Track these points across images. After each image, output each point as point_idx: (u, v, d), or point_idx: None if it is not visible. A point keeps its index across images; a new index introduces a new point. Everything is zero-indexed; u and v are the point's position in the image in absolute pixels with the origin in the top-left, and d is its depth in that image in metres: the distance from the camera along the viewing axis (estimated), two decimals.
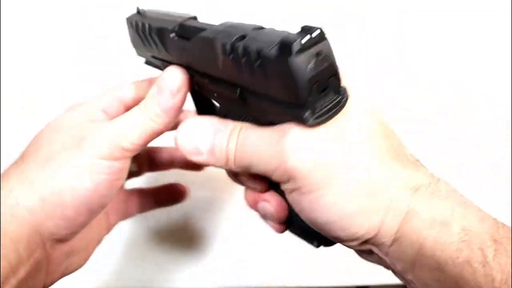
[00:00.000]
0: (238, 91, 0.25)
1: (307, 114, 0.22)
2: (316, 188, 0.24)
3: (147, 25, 0.33)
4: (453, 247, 0.22)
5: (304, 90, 0.21)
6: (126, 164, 0.30)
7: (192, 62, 0.29)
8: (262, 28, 0.25)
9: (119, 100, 0.35)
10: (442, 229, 0.22)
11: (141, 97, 0.33)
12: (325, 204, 0.24)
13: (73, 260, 0.33)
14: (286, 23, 0.54)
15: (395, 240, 0.24)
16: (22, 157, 0.31)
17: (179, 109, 0.31)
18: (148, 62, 0.37)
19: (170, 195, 0.42)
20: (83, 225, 0.30)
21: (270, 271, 0.50)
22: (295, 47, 0.21)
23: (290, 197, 0.26)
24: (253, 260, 0.50)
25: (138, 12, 0.35)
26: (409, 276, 0.24)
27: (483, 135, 0.56)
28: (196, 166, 0.42)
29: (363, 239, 0.24)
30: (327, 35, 0.22)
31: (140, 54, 0.38)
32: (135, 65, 0.41)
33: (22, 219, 0.27)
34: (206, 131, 0.28)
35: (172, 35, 0.30)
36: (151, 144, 0.33)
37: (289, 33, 0.22)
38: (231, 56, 0.24)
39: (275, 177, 0.25)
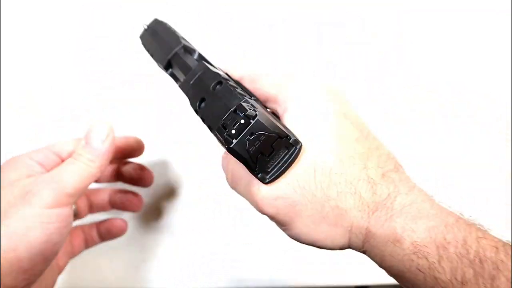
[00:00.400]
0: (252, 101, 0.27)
1: (260, 175, 0.26)
2: (284, 224, 0.28)
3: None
4: (406, 258, 0.25)
5: (251, 165, 0.25)
6: (71, 210, 0.33)
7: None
8: (220, 82, 0.28)
9: (55, 154, 0.38)
10: (395, 245, 0.25)
11: (72, 152, 0.37)
12: (295, 234, 0.28)
13: None
14: (286, 23, 0.54)
15: (364, 251, 0.28)
16: None
17: (110, 153, 0.36)
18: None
19: (110, 230, 0.44)
20: (39, 274, 0.32)
21: (269, 271, 0.50)
22: (232, 137, 0.24)
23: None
24: (253, 260, 0.50)
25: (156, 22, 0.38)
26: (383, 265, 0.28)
27: (483, 135, 0.56)
28: (134, 207, 0.45)
29: (337, 249, 0.29)
30: (252, 114, 0.25)
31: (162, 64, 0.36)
32: (135, 65, 0.41)
33: None
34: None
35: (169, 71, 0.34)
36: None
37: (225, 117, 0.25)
38: (199, 115, 0.29)
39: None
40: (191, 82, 0.30)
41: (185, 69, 0.32)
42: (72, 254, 0.42)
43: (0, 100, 0.51)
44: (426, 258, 0.24)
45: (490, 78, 0.57)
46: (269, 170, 0.26)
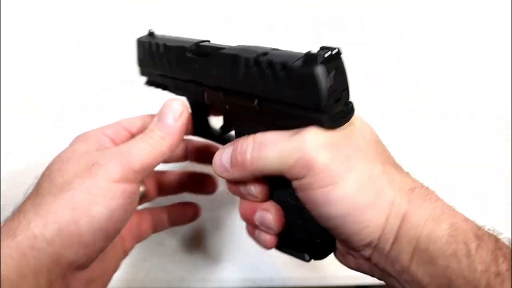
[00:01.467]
0: (256, 100, 0.29)
1: (325, 117, 0.26)
2: (332, 181, 0.26)
3: (162, 45, 0.36)
4: (443, 240, 0.25)
5: (325, 96, 0.26)
6: (138, 188, 0.32)
7: (206, 77, 0.33)
8: (278, 49, 0.29)
9: (126, 129, 0.37)
10: (434, 225, 0.26)
11: (145, 127, 0.35)
12: (339, 196, 0.26)
13: (93, 286, 0.33)
14: (286, 23, 0.54)
15: (395, 241, 0.27)
16: (37, 190, 0.31)
17: (182, 132, 0.34)
18: (149, 82, 0.39)
19: (183, 214, 0.43)
20: (100, 250, 0.31)
21: (269, 271, 0.50)
22: (319, 58, 0.25)
23: (305, 194, 0.28)
24: (253, 260, 0.50)
25: (150, 34, 0.38)
26: (405, 276, 0.27)
27: (483, 135, 0.56)
28: (207, 189, 0.44)
29: (369, 238, 0.27)
30: (342, 52, 0.27)
31: (144, 73, 0.40)
32: (135, 65, 0.41)
33: (41, 251, 0.28)
34: (226, 151, 0.32)
35: (188, 53, 0.34)
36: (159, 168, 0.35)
37: (309, 51, 0.27)
38: (254, 68, 0.28)
39: (292, 172, 0.27)
40: (241, 48, 0.31)
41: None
42: (139, 238, 0.40)
43: (0, 100, 0.51)
44: (466, 244, 0.25)
45: (490, 78, 0.57)
46: (332, 116, 0.26)
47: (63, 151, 0.34)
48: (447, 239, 0.25)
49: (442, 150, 0.55)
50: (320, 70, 0.25)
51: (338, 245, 0.32)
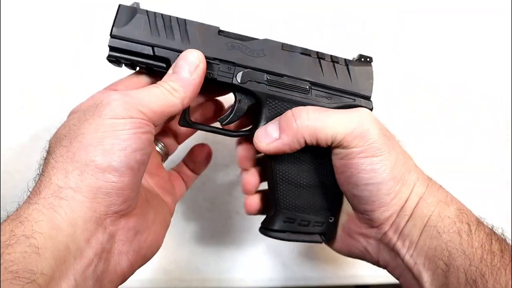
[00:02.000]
0: (308, 84, 0.36)
1: (371, 104, 0.37)
2: (379, 152, 0.32)
3: (179, 19, 0.37)
4: (450, 219, 0.31)
5: (372, 86, 0.37)
6: (148, 122, 0.31)
7: (252, 59, 0.36)
8: None
9: (139, 81, 0.36)
10: (444, 207, 0.32)
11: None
12: (382, 166, 0.32)
13: (144, 238, 0.32)
14: (287, 24, 0.54)
15: (410, 217, 0.32)
16: (48, 152, 0.31)
17: (197, 86, 0.33)
18: (116, 56, 0.35)
19: (196, 157, 0.42)
20: (132, 186, 0.30)
21: (269, 271, 0.50)
22: (371, 61, 0.38)
23: (351, 161, 0.32)
24: (253, 260, 0.50)
25: (136, 4, 0.36)
26: (411, 251, 0.32)
27: (484, 136, 0.56)
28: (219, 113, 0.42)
29: (392, 210, 0.32)
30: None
31: (116, 42, 0.35)
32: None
33: (71, 200, 0.27)
34: (271, 125, 0.35)
35: (221, 33, 0.36)
36: None
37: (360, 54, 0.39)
38: (315, 60, 0.36)
39: (347, 139, 0.32)
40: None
41: None
42: (175, 194, 0.40)
43: (0, 100, 0.51)
44: (468, 224, 0.30)
45: (490, 79, 0.57)
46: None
47: (77, 106, 0.34)
48: (454, 219, 0.31)
49: (442, 151, 0.55)
50: (373, 69, 0.37)
51: (349, 225, 0.37)
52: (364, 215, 0.34)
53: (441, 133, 0.55)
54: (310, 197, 0.37)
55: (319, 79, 0.36)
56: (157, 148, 0.40)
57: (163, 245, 0.50)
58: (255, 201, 0.40)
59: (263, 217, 0.49)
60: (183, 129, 0.41)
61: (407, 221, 0.32)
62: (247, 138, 0.38)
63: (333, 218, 0.37)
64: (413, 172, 0.33)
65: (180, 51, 0.34)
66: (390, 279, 0.51)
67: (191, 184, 0.42)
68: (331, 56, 0.37)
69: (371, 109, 0.37)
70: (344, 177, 0.34)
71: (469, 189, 0.54)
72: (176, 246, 0.50)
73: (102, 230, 0.28)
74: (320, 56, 0.36)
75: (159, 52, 0.34)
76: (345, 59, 0.37)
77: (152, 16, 0.36)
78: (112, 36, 0.35)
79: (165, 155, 0.41)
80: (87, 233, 0.27)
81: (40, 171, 0.30)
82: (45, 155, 0.31)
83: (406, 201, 0.32)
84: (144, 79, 0.36)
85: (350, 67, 0.37)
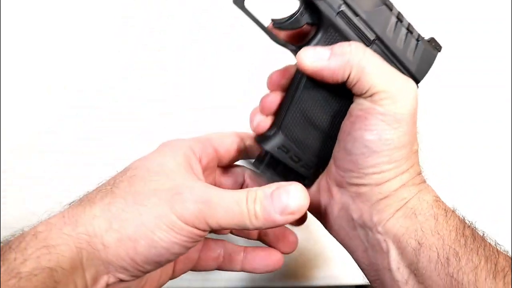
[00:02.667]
0: (374, 36, 0.34)
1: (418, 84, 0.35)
2: (397, 125, 0.31)
3: None
4: (428, 204, 0.32)
5: (427, 72, 0.35)
6: (205, 233, 0.30)
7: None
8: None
9: (213, 148, 0.35)
10: (424, 193, 0.32)
11: (231, 149, 0.36)
12: (385, 139, 0.31)
13: None
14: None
15: (386, 197, 0.32)
16: (112, 187, 0.30)
17: (280, 225, 0.30)
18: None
19: (263, 262, 0.39)
20: (145, 273, 0.30)
21: None
22: (439, 48, 0.36)
23: (364, 113, 0.31)
24: None
25: None
26: (379, 227, 0.32)
27: (484, 136, 0.56)
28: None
29: (364, 182, 0.31)
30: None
31: None
32: (135, 66, 0.41)
33: (96, 251, 0.27)
34: (324, 48, 0.33)
35: None
36: None
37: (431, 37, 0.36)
38: (393, 21, 0.34)
39: (381, 95, 0.31)
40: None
41: None
42: (196, 266, 0.39)
43: (0, 100, 0.51)
44: (445, 210, 0.31)
45: (491, 80, 0.57)
46: None
47: (150, 158, 0.32)
48: (432, 203, 0.31)
49: (442, 151, 0.55)
50: (437, 56, 0.35)
51: (322, 179, 0.36)
52: (339, 171, 0.33)
53: (441, 134, 0.55)
54: (314, 138, 0.35)
55: (387, 38, 0.34)
56: None
57: None
58: (267, 121, 0.36)
59: None
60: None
61: (380, 199, 0.32)
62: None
63: (321, 170, 0.36)
64: (410, 161, 0.32)
65: None
66: None
67: (230, 270, 0.40)
68: (409, 23, 0.35)
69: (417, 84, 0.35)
70: (350, 127, 0.32)
71: (469, 188, 0.54)
72: None
73: (102, 284, 0.29)
74: (400, 17, 0.34)
75: None
76: (418, 34, 0.35)
77: None
78: None
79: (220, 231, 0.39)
80: (93, 280, 0.28)
81: (97, 187, 0.30)
82: (111, 178, 0.31)
83: (385, 182, 0.31)
84: (224, 140, 0.36)
85: (419, 43, 0.35)
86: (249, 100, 0.53)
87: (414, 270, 0.30)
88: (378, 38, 0.34)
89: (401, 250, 0.31)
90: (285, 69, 0.37)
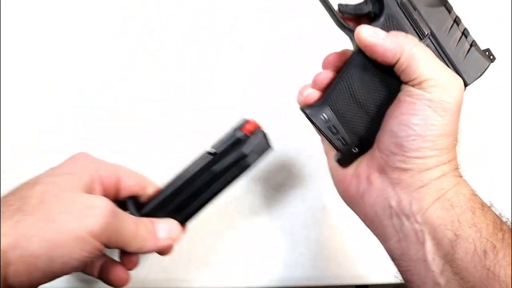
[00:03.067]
0: (429, 31, 0.36)
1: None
2: (443, 112, 0.32)
3: None
4: (465, 197, 0.32)
5: (477, 78, 0.37)
6: (103, 248, 0.32)
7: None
8: None
9: (117, 179, 0.37)
10: (462, 186, 0.33)
11: (131, 188, 0.38)
12: (430, 124, 0.32)
13: None
14: (287, 25, 0.54)
15: (425, 185, 0.32)
16: (22, 206, 0.30)
17: (157, 251, 0.36)
18: None
19: (110, 277, 0.40)
20: (39, 284, 0.30)
21: (270, 271, 0.50)
22: (493, 58, 0.38)
23: (412, 98, 0.33)
24: (252, 260, 0.50)
25: None
26: (418, 216, 0.32)
27: (484, 136, 0.56)
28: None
29: (407, 167, 0.32)
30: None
31: None
32: (135, 66, 0.41)
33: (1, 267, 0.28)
34: (382, 30, 0.35)
35: None
36: None
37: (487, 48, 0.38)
38: (454, 22, 0.36)
39: (429, 82, 0.32)
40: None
41: None
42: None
43: (0, 100, 0.51)
44: (481, 204, 0.32)
45: (491, 80, 0.57)
46: None
47: (58, 173, 0.34)
48: (469, 197, 0.32)
49: None
50: (489, 66, 0.37)
51: (360, 163, 0.36)
52: (383, 155, 0.34)
53: None
54: (355, 115, 0.37)
55: (441, 36, 0.36)
56: None
57: None
58: (316, 94, 0.38)
59: (262, 218, 0.50)
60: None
61: (420, 187, 0.32)
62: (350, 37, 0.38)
63: (357, 149, 0.37)
64: (451, 154, 0.33)
65: None
66: (390, 279, 0.50)
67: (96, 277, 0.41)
68: (465, 28, 0.37)
69: (466, 84, 0.36)
70: (397, 111, 0.33)
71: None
72: (177, 246, 0.50)
73: None
74: (457, 20, 0.36)
75: None
76: (473, 40, 0.37)
77: None
78: None
79: None
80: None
81: (10, 192, 0.32)
82: (22, 185, 0.32)
83: (427, 170, 0.32)
84: (132, 178, 0.38)
85: (472, 49, 0.36)
86: (249, 100, 0.54)
87: (450, 261, 0.30)
88: (432, 34, 0.36)
89: (437, 241, 0.31)
90: (342, 52, 0.39)
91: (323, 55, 0.39)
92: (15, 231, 0.28)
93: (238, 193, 0.52)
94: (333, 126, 0.37)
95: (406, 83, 0.34)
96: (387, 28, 0.36)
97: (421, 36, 0.36)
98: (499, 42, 0.57)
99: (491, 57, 0.37)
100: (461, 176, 0.34)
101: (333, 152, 0.38)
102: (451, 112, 0.32)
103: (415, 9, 0.36)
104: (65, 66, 0.52)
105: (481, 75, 0.37)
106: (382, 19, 0.36)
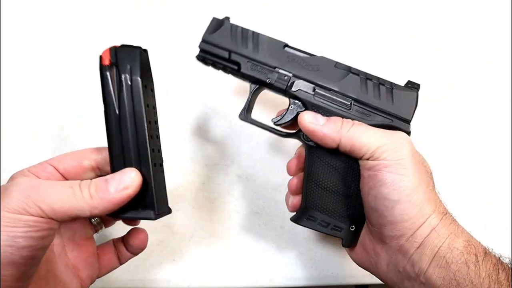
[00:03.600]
0: (351, 101, 0.40)
1: (410, 127, 0.39)
2: (405, 171, 0.34)
3: (254, 32, 0.42)
4: (459, 251, 0.32)
5: (414, 111, 0.40)
6: (48, 220, 0.31)
7: (302, 71, 0.41)
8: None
9: (52, 166, 0.36)
10: (454, 239, 0.33)
11: (72, 167, 0.36)
12: (399, 186, 0.34)
13: None
14: (286, 26, 0.54)
15: (420, 246, 0.33)
16: None
17: (114, 205, 0.33)
18: (204, 55, 0.42)
19: (132, 242, 0.41)
20: (17, 279, 0.30)
21: (269, 271, 0.50)
22: (418, 88, 0.41)
23: (378, 172, 0.35)
24: (253, 260, 0.50)
25: (227, 18, 0.43)
26: (421, 278, 0.33)
27: (484, 137, 0.56)
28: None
29: (402, 232, 0.34)
30: None
31: (206, 46, 0.42)
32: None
33: None
34: (322, 116, 0.39)
35: (289, 48, 0.42)
36: None
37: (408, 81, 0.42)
38: (361, 81, 0.40)
39: (378, 150, 0.35)
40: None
41: None
42: (98, 270, 0.40)
43: (0, 100, 0.51)
44: (476, 255, 0.32)
45: (491, 80, 0.57)
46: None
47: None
48: (462, 250, 0.32)
49: (443, 152, 0.55)
50: (418, 95, 0.40)
51: (364, 239, 0.39)
52: (375, 229, 0.36)
53: (441, 134, 0.55)
54: (334, 202, 0.40)
55: (362, 97, 0.40)
56: (91, 219, 0.40)
57: (163, 245, 0.50)
58: (298, 199, 0.43)
59: (262, 218, 0.50)
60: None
61: (417, 248, 0.34)
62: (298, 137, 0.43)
63: (354, 227, 0.40)
64: (431, 203, 0.34)
65: (250, 58, 0.41)
66: None
67: (125, 261, 0.42)
68: (378, 78, 0.41)
69: (409, 133, 0.39)
70: (367, 187, 0.36)
71: (468, 189, 0.54)
72: (176, 246, 0.50)
73: None
74: (368, 77, 0.40)
75: (233, 56, 0.41)
76: (391, 83, 0.41)
77: (234, 28, 0.42)
78: (203, 40, 0.42)
79: (98, 226, 0.41)
80: None
81: None
82: None
83: (417, 229, 0.33)
84: (79, 157, 0.37)
85: (394, 90, 0.40)
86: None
87: None
88: (354, 100, 0.40)
89: None
90: (298, 155, 0.43)
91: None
92: None
93: (238, 193, 0.52)
94: (322, 221, 0.41)
95: (360, 159, 0.36)
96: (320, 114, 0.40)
97: (346, 108, 0.40)
98: (499, 42, 0.57)
99: (415, 86, 0.41)
100: (453, 222, 0.35)
101: None
102: (410, 165, 0.34)
103: (329, 89, 0.40)
104: (65, 66, 0.52)
105: (416, 107, 0.40)
106: (309, 110, 0.40)
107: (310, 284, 0.51)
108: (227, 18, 0.43)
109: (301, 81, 0.41)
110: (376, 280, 0.51)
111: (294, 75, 0.41)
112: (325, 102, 0.40)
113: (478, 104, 0.56)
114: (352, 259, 0.41)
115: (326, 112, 0.40)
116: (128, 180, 0.33)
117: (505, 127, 0.56)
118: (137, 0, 0.55)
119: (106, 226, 0.42)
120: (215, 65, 0.43)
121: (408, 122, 0.40)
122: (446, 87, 0.56)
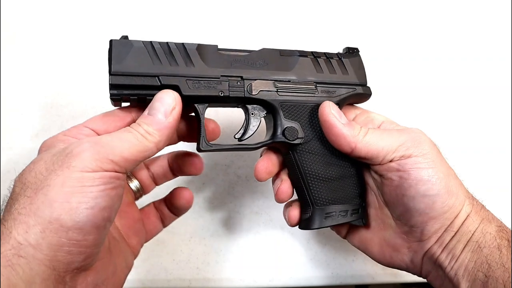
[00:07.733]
0: (314, 83, 0.38)
1: (370, 89, 0.41)
2: (433, 163, 0.34)
3: (173, 44, 0.35)
4: (491, 236, 0.33)
5: (365, 73, 0.40)
6: (119, 175, 0.30)
7: (252, 70, 0.37)
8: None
9: (115, 118, 0.35)
10: (487, 224, 0.34)
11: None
12: (435, 179, 0.33)
13: None
14: (286, 26, 0.54)
15: (456, 233, 0.34)
16: (11, 197, 0.29)
17: (173, 129, 0.32)
18: (119, 94, 0.33)
19: (176, 201, 0.41)
20: (96, 244, 0.29)
21: (270, 271, 0.50)
22: (357, 51, 0.40)
23: (404, 171, 0.34)
24: (252, 260, 0.50)
25: (125, 37, 0.35)
26: (453, 264, 0.34)
27: (484, 137, 0.56)
28: (195, 169, 0.41)
29: (442, 224, 0.34)
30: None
31: (121, 80, 0.33)
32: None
33: (30, 258, 0.26)
34: (343, 114, 0.37)
35: (223, 51, 0.36)
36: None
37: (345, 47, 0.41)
38: (316, 58, 0.39)
39: (400, 149, 0.34)
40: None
41: None
42: (145, 235, 0.39)
43: (0, 100, 0.51)
44: (508, 240, 0.33)
45: (491, 79, 0.57)
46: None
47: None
48: (495, 235, 0.33)
49: (444, 152, 0.55)
50: (361, 57, 0.40)
51: (395, 239, 0.37)
52: (414, 229, 0.35)
53: (441, 135, 0.55)
54: (342, 188, 0.39)
55: (321, 77, 0.39)
56: (131, 186, 0.39)
57: (163, 245, 0.50)
58: (296, 207, 0.40)
59: (262, 218, 0.50)
60: (160, 171, 0.40)
61: (453, 236, 0.34)
62: (269, 148, 0.39)
63: (364, 203, 0.39)
64: (463, 188, 0.35)
65: (187, 76, 0.34)
66: (390, 279, 0.51)
67: (168, 224, 0.42)
68: (324, 53, 0.39)
69: (370, 94, 0.40)
70: (400, 190, 0.34)
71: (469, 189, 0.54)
72: (177, 246, 0.50)
73: (61, 287, 0.27)
74: (315, 55, 0.39)
75: (165, 80, 0.33)
76: (337, 54, 0.40)
77: (149, 46, 0.34)
78: (112, 73, 0.33)
79: (138, 192, 0.40)
80: None
81: (2, 216, 0.29)
82: (8, 196, 0.29)
83: (456, 217, 0.34)
84: (121, 114, 0.35)
85: (343, 60, 0.39)
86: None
87: None
88: (316, 82, 0.38)
89: (471, 283, 0.33)
90: (267, 158, 0.39)
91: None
92: (20, 219, 0.27)
93: (238, 193, 0.52)
94: (340, 211, 0.38)
95: (379, 164, 0.35)
96: (290, 114, 0.38)
97: (313, 92, 0.38)
98: (499, 42, 0.58)
99: (355, 50, 0.40)
100: (483, 208, 0.35)
101: (369, 245, 0.39)
102: (436, 156, 0.34)
103: (289, 80, 0.37)
104: (65, 66, 0.52)
105: (365, 69, 0.40)
106: (279, 113, 0.37)
107: (310, 284, 0.51)
108: (125, 36, 0.35)
109: (257, 81, 0.37)
110: (376, 280, 0.51)
111: (247, 78, 0.36)
112: (291, 94, 0.37)
113: (478, 104, 0.56)
114: (376, 261, 0.40)
115: (296, 104, 0.37)
116: (170, 101, 0.32)
117: (505, 127, 0.56)
118: (137, 0, 0.55)
119: (145, 193, 0.41)
120: (142, 100, 0.33)
121: (365, 85, 0.40)
122: (446, 87, 0.56)
